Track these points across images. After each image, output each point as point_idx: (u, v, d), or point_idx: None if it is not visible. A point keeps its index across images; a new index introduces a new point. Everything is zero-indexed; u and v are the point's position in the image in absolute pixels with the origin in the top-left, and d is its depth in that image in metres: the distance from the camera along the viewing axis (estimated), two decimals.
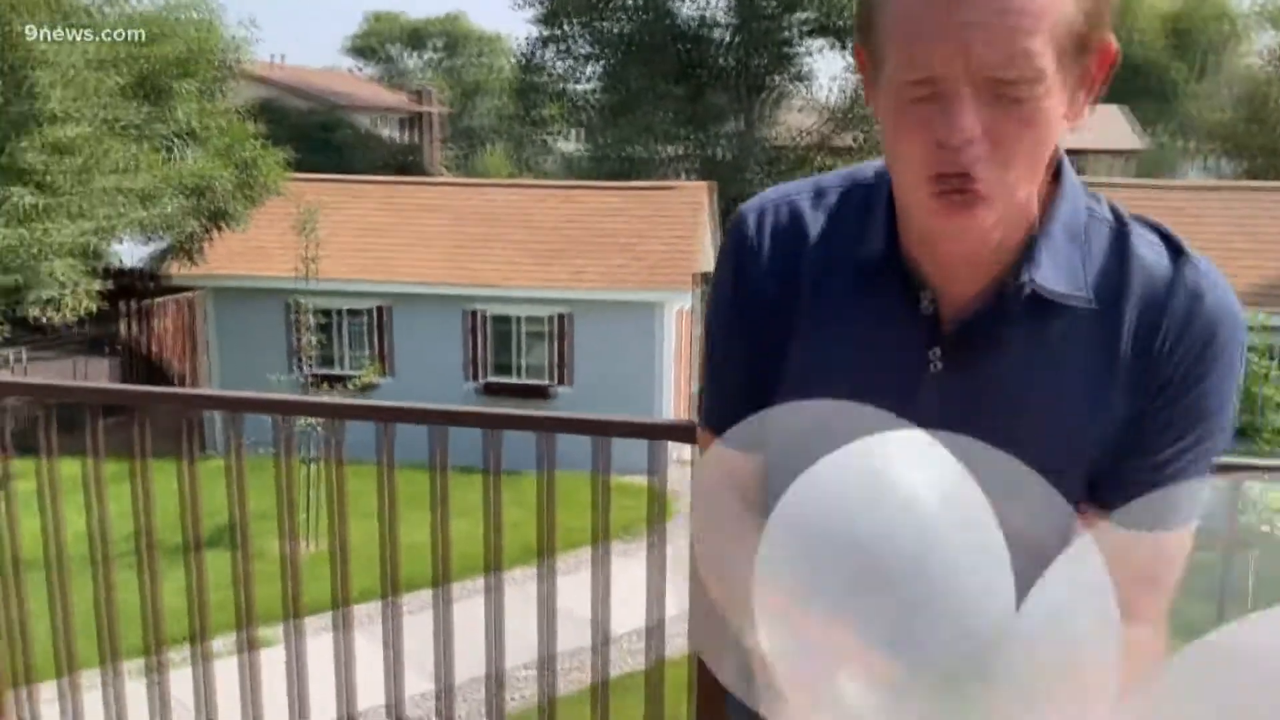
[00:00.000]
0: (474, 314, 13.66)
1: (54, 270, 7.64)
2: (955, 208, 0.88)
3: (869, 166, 1.06)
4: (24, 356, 13.93)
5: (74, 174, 8.03)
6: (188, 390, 2.62)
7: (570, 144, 27.79)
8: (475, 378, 13.76)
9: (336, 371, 13.43)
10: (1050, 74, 0.85)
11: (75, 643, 2.55)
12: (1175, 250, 0.98)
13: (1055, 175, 0.98)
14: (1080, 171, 1.03)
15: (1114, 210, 1.00)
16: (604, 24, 23.16)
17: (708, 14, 22.63)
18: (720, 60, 22.72)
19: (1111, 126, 26.96)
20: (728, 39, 22.47)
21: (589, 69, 24.02)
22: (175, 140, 9.77)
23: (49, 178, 7.80)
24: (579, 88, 24.26)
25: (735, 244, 1.07)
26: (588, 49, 23.73)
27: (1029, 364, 0.97)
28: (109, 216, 8.42)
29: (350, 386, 10.66)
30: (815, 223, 1.05)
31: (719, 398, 1.12)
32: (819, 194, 1.07)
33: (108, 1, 9.40)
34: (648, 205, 14.21)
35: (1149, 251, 0.97)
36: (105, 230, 8.44)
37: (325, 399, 2.72)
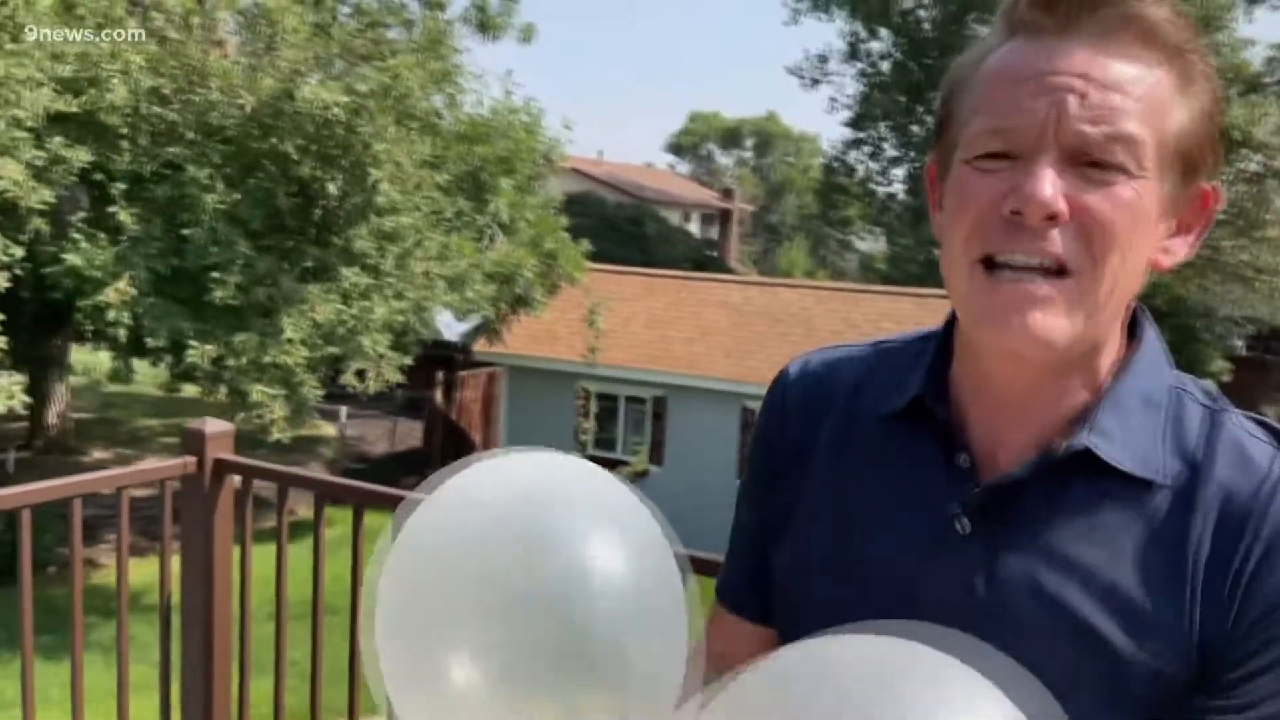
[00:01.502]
0: (750, 411, 13.68)
1: (368, 345, 8.49)
2: (1017, 300, 0.72)
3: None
4: (345, 415, 15.58)
5: (396, 259, 8.94)
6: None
7: (871, 244, 27.47)
8: None
9: (612, 455, 13.88)
10: (1150, 173, 0.73)
11: (360, 688, 2.67)
12: None
13: (1130, 333, 0.83)
14: None
15: (1209, 393, 0.83)
16: (915, 127, 22.90)
17: None
18: None
19: None
20: None
21: (896, 171, 23.79)
22: (487, 230, 10.64)
23: (375, 262, 8.73)
24: (884, 189, 24.06)
25: (768, 402, 0.98)
26: (896, 151, 23.54)
27: (1073, 551, 0.78)
28: (421, 299, 9.27)
29: (619, 472, 10.94)
30: (854, 374, 0.93)
31: (732, 568, 1.01)
32: (877, 346, 0.96)
33: (447, 107, 10.51)
34: (939, 316, 13.65)
35: (1247, 441, 0.78)
36: (416, 310, 9.29)
37: None
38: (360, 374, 8.75)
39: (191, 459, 2.75)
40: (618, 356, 13.36)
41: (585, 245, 12.34)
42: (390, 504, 2.57)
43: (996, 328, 0.74)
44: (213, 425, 2.79)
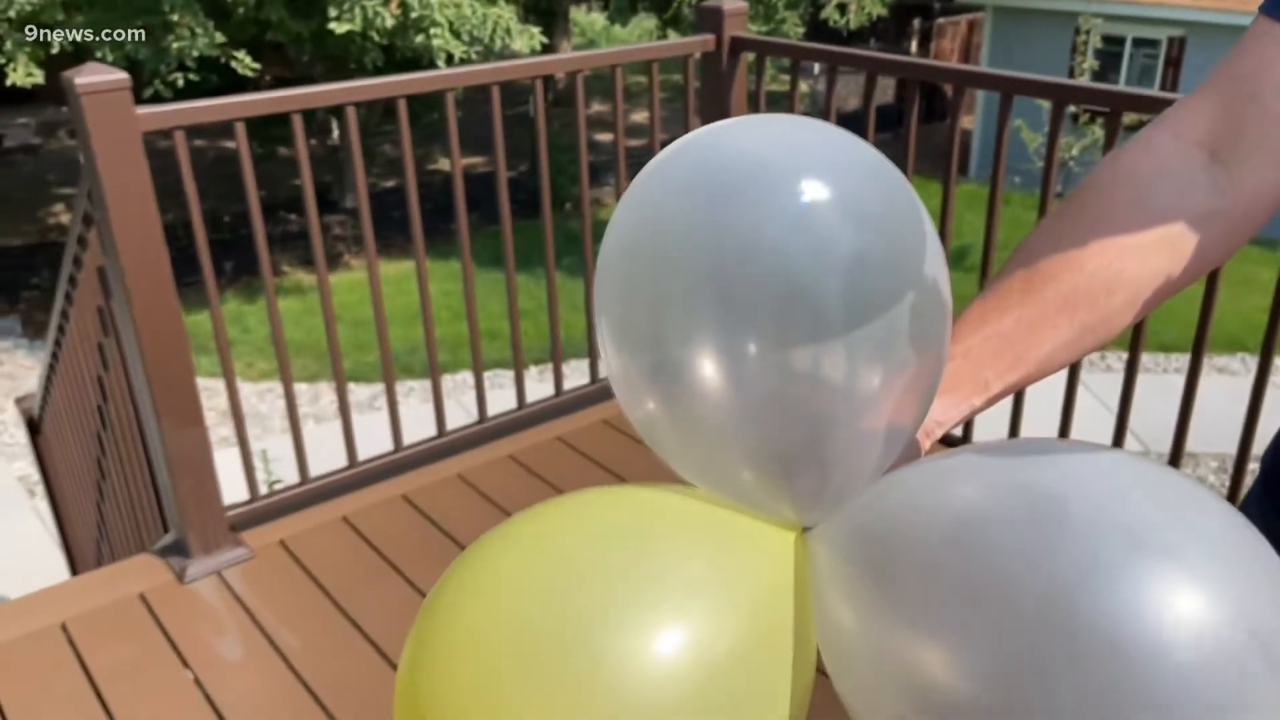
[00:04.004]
0: None
1: None
2: None
3: None
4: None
5: None
6: (961, 67, 2.75)
7: None
8: None
9: None
10: None
11: None
12: None
13: None
14: None
15: None
16: None
17: None
18: None
19: None
20: None
21: None
22: None
23: None
24: None
25: None
26: None
27: None
28: None
29: None
30: None
31: None
32: None
33: None
34: None
35: None
36: None
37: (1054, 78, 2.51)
38: (841, 8, 8.48)
39: (710, 36, 2.87)
40: None
41: None
42: (956, 80, 2.52)
43: None
44: (729, 4, 2.87)
